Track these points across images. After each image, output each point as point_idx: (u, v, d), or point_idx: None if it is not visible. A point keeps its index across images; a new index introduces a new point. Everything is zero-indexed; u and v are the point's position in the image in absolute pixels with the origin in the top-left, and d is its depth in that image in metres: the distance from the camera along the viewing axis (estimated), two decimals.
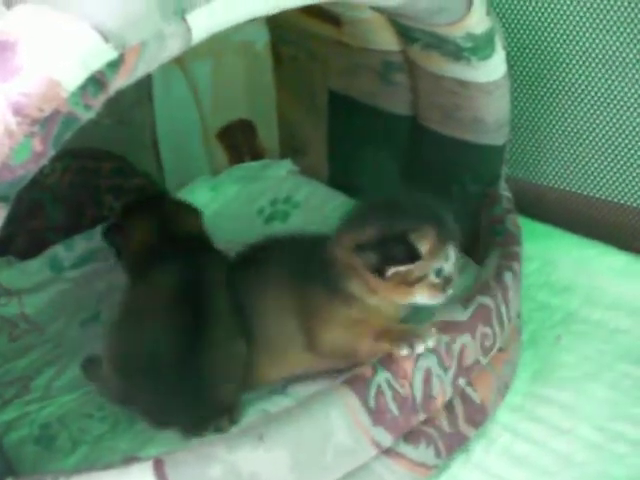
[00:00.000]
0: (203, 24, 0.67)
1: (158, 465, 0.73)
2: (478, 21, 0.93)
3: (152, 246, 1.08)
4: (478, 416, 0.94)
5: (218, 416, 0.94)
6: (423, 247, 0.89)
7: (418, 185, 1.22)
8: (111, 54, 0.63)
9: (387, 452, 0.84)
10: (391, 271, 0.89)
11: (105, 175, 1.35)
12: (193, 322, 0.96)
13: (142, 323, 0.98)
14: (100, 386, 1.04)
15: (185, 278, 1.00)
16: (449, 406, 0.90)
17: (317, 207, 1.40)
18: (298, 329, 0.96)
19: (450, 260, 0.91)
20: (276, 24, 1.38)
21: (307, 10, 1.16)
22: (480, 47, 0.96)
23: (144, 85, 1.29)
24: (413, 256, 0.88)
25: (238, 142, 1.53)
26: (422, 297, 0.92)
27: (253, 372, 0.98)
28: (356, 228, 0.93)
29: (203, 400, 0.95)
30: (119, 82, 0.65)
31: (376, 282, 0.91)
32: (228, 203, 1.47)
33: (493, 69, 1.01)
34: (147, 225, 1.11)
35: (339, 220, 0.98)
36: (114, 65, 0.63)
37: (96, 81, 0.63)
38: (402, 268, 0.89)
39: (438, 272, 0.91)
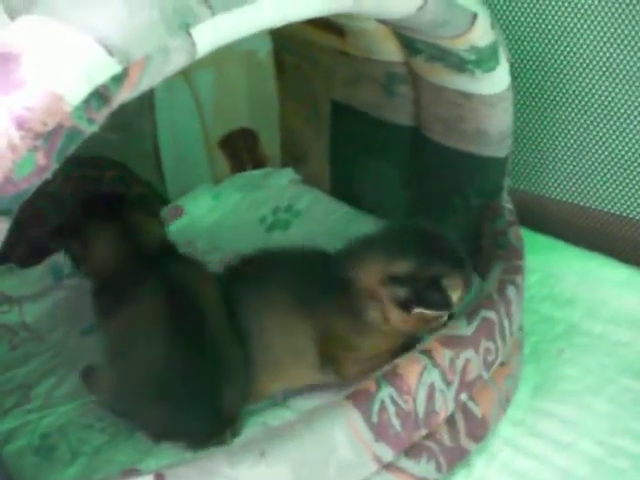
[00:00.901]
0: (208, 38, 0.67)
1: (159, 479, 0.73)
2: (482, 34, 0.92)
3: (123, 261, 1.05)
4: (479, 430, 0.93)
5: (221, 428, 0.94)
6: (454, 296, 0.93)
7: (419, 196, 1.23)
8: (115, 68, 0.62)
9: (388, 467, 0.84)
10: (417, 310, 0.91)
11: (106, 183, 1.35)
12: (192, 336, 0.96)
13: (140, 342, 0.97)
14: (100, 398, 1.04)
15: (176, 294, 0.99)
16: (450, 420, 0.90)
17: (319, 216, 1.40)
18: (309, 350, 0.98)
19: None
20: (279, 33, 1.38)
21: (311, 20, 1.16)
22: (484, 60, 0.96)
23: (146, 93, 1.28)
24: (445, 305, 0.92)
25: (240, 150, 1.52)
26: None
27: (251, 386, 0.99)
28: (388, 257, 0.95)
29: (208, 412, 0.95)
30: (123, 96, 0.64)
31: (394, 314, 0.94)
32: (230, 211, 1.47)
33: (497, 81, 1.01)
34: (112, 238, 1.07)
35: (358, 241, 1.00)
36: (118, 79, 0.63)
37: (100, 95, 0.62)
38: (429, 312, 0.92)
39: None
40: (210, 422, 0.95)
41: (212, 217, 1.45)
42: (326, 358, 0.98)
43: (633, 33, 1.12)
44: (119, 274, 1.04)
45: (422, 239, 0.97)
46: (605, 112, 1.20)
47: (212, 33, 0.67)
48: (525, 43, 1.23)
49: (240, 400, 0.98)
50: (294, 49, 1.38)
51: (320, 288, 0.98)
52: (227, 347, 0.98)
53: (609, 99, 1.19)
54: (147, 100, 1.34)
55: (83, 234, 1.08)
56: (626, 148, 1.20)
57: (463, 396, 0.89)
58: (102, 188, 1.35)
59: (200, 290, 1.01)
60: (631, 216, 1.24)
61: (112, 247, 1.07)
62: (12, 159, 0.60)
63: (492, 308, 0.92)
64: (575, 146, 1.26)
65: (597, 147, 1.24)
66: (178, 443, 0.95)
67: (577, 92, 1.22)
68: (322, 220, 1.39)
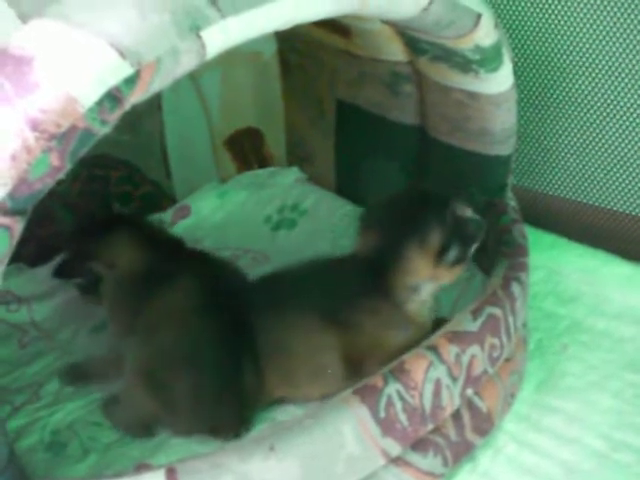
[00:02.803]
0: (217, 40, 0.68)
1: (170, 473, 0.74)
2: (486, 34, 0.93)
3: (153, 258, 1.09)
4: (485, 425, 0.94)
5: (240, 422, 0.96)
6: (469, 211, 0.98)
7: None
8: (127, 70, 0.63)
9: (395, 461, 0.85)
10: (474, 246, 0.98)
11: (115, 183, 1.36)
12: (230, 326, 0.99)
13: (180, 331, 0.99)
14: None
15: (213, 285, 1.03)
16: (456, 415, 0.91)
17: (324, 215, 1.41)
18: (333, 364, 0.98)
19: None
20: (284, 34, 1.38)
21: (316, 21, 1.17)
22: (488, 59, 0.97)
23: (153, 94, 1.30)
24: (481, 224, 0.98)
25: (246, 150, 1.53)
26: None
27: (265, 391, 1.01)
28: (420, 244, 0.95)
29: (238, 403, 0.98)
30: (135, 97, 0.65)
31: (450, 274, 0.97)
32: (235, 210, 1.47)
33: (501, 81, 1.02)
34: (137, 238, 1.11)
35: (378, 248, 0.98)
36: (130, 81, 0.64)
37: (112, 97, 0.63)
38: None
39: None
40: (234, 405, 0.97)
41: (218, 216, 1.46)
42: (352, 365, 0.98)
43: (635, 32, 1.12)
44: (147, 272, 1.07)
45: (413, 206, 0.99)
46: (608, 110, 1.21)
47: (221, 35, 0.68)
48: (528, 42, 1.24)
49: (256, 394, 1.00)
50: (299, 49, 1.39)
51: (345, 296, 0.98)
52: (252, 344, 1.00)
53: (612, 97, 1.19)
54: (154, 100, 1.34)
55: (107, 247, 1.11)
56: (629, 146, 1.21)
57: (469, 391, 0.90)
58: (110, 188, 1.36)
59: (229, 288, 1.05)
60: (634, 213, 1.25)
61: (139, 247, 1.10)
62: (27, 160, 0.61)
63: (497, 305, 0.93)
64: (578, 144, 1.27)
65: (600, 145, 1.25)
66: (198, 431, 0.98)
67: (580, 90, 1.22)
68: (328, 219, 1.39)
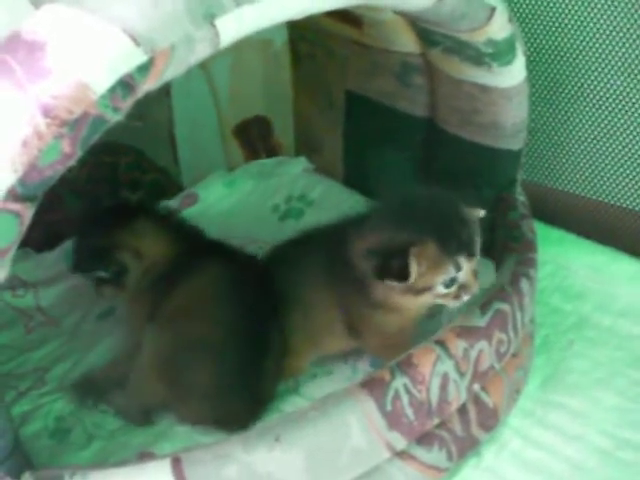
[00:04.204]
0: (232, 29, 0.68)
1: (176, 463, 0.74)
2: (500, 27, 0.93)
3: (179, 247, 1.07)
4: (490, 420, 0.94)
5: (249, 418, 0.96)
6: (417, 266, 0.87)
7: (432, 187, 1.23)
8: (141, 58, 0.63)
9: (400, 454, 0.85)
10: (389, 283, 0.89)
11: (123, 169, 1.36)
12: (254, 315, 0.99)
13: (202, 322, 0.98)
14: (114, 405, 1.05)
15: (239, 273, 1.03)
16: (462, 410, 0.91)
17: (331, 205, 1.40)
18: (338, 321, 1.00)
19: (463, 269, 0.90)
20: (295, 23, 1.38)
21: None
22: (501, 53, 0.96)
23: None
24: (403, 275, 0.88)
25: (254, 138, 1.53)
26: (433, 302, 0.93)
27: (288, 360, 1.02)
28: (366, 232, 0.93)
29: (252, 399, 0.98)
30: (148, 85, 0.65)
31: (382, 287, 0.92)
32: (243, 199, 1.47)
33: (513, 75, 1.01)
34: (164, 228, 1.09)
35: (353, 220, 1.00)
36: (143, 69, 0.63)
37: (125, 84, 0.63)
38: (395, 283, 0.89)
39: (450, 282, 0.90)
40: (247, 401, 0.98)
41: (225, 204, 1.45)
42: (352, 330, 1.00)
43: None
44: (172, 261, 1.05)
45: (400, 208, 0.93)
46: (619, 106, 1.20)
47: (236, 24, 0.68)
48: (541, 36, 1.23)
49: (269, 391, 1.01)
50: (310, 38, 1.38)
51: (340, 268, 0.97)
52: (276, 332, 1.01)
53: (624, 93, 1.19)
54: (163, 87, 1.33)
55: (133, 235, 1.06)
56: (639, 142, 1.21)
57: (475, 386, 0.90)
58: (118, 174, 1.36)
59: (254, 276, 1.04)
60: None
61: (165, 235, 1.08)
62: (38, 146, 0.61)
63: (505, 300, 0.93)
64: (589, 140, 1.26)
65: (610, 141, 1.24)
66: (205, 422, 0.98)
67: (591, 86, 1.22)
68: (335, 209, 1.37)
